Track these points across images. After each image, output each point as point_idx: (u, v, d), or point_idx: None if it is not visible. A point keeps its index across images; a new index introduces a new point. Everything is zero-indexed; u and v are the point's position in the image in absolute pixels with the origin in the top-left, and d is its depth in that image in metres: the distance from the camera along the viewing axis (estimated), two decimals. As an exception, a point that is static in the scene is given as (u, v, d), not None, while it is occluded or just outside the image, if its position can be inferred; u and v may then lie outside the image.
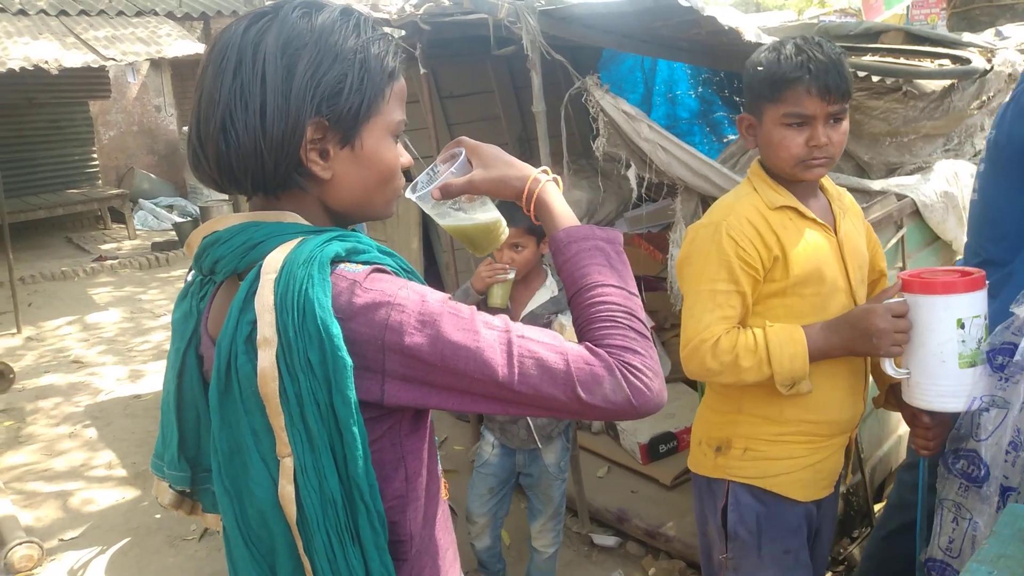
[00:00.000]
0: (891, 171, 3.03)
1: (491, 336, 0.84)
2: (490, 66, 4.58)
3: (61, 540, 3.14)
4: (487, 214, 1.07)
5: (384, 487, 0.89)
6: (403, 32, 3.63)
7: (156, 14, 7.31)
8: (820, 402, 1.57)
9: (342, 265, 0.85)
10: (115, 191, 9.22)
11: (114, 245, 8.44)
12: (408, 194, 1.03)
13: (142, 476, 3.58)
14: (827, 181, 1.67)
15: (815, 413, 1.58)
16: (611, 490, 3.03)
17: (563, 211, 1.01)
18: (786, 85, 1.46)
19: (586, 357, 0.86)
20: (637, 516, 2.82)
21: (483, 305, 2.25)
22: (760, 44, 2.35)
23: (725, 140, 5.09)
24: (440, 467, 1.04)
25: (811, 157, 1.49)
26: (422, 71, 3.52)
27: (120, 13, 7.11)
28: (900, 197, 2.78)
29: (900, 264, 2.78)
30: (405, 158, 0.98)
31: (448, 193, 1.02)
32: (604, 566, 2.74)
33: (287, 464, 0.82)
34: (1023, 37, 3.43)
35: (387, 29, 3.63)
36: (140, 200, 9.64)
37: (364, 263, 0.87)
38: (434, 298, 0.85)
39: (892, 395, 1.70)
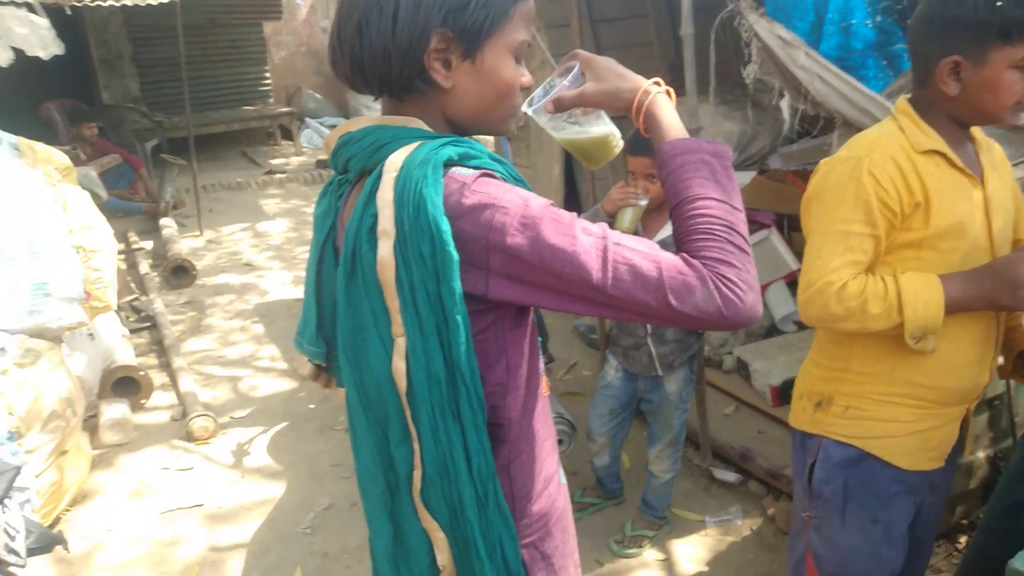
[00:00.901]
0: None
1: (588, 241, 0.88)
2: (646, -12, 4.43)
3: (232, 417, 3.57)
4: (600, 127, 1.09)
5: (487, 374, 0.97)
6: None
7: (326, -64, 7.56)
8: (938, 366, 1.46)
9: (454, 168, 0.92)
10: (285, 109, 9.81)
11: (282, 160, 9.05)
12: (524, 108, 1.06)
13: (299, 370, 3.95)
14: (977, 131, 1.52)
15: (931, 377, 1.47)
16: (737, 428, 3.02)
17: (672, 123, 1.01)
18: None
19: (680, 267, 0.88)
20: (761, 456, 2.80)
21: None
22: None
23: (904, 75, 4.67)
24: (542, 364, 1.11)
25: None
26: (574, -7, 3.47)
27: (294, -64, 7.42)
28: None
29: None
30: (526, 78, 1.02)
31: (561, 106, 1.05)
32: (723, 500, 2.77)
33: (400, 343, 0.92)
34: None
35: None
36: (306, 119, 10.22)
37: (475, 167, 0.93)
38: (536, 203, 0.90)
39: (1022, 364, 1.56)
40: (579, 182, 4.52)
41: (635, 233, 2.26)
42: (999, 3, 1.29)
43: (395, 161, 0.91)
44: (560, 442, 2.63)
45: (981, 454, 2.34)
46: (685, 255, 0.90)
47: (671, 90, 1.05)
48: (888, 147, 1.41)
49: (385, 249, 0.90)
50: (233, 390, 3.86)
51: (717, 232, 0.91)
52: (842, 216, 1.40)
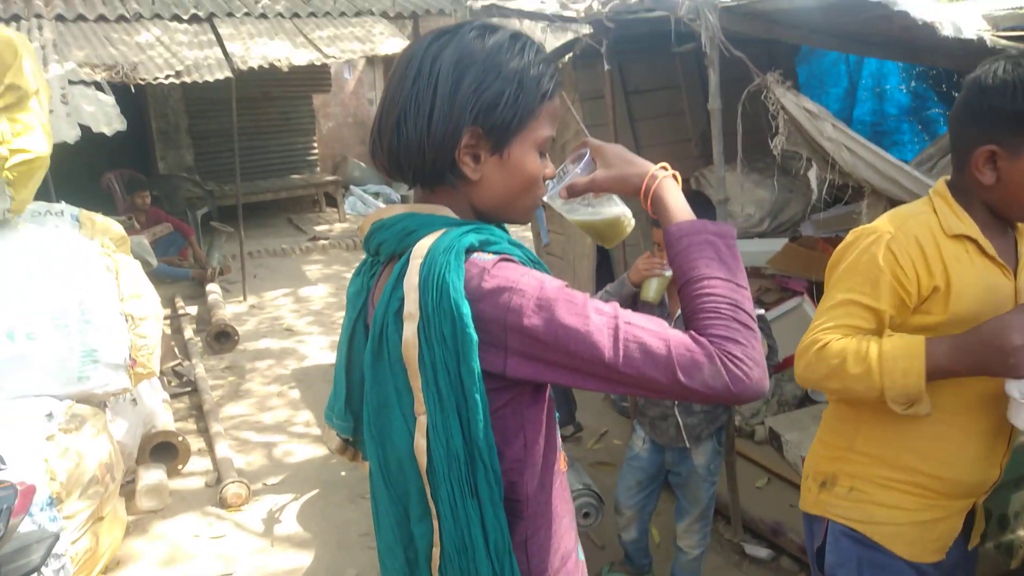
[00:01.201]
0: None
1: (600, 321, 0.92)
2: (678, 61, 4.53)
3: (264, 484, 3.60)
4: (612, 209, 1.15)
5: (505, 450, 0.99)
6: (590, 29, 3.71)
7: (372, 14, 7.93)
8: (944, 457, 1.42)
9: (476, 254, 0.97)
10: (330, 178, 10.13)
11: (326, 227, 9.30)
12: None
13: (333, 436, 3.99)
14: None
15: (937, 467, 1.43)
16: (769, 502, 2.94)
17: (677, 206, 1.06)
18: None
19: (688, 344, 0.91)
20: (793, 531, 2.72)
21: (636, 299, 2.27)
22: (963, 39, 2.16)
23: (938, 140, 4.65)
24: (560, 440, 1.13)
25: None
26: (606, 68, 3.57)
27: (342, 14, 7.79)
28: None
29: None
30: (549, 169, 1.09)
31: (574, 192, 1.10)
32: (755, 577, 2.69)
33: (422, 421, 0.96)
34: None
35: (574, 27, 3.73)
36: (351, 186, 10.52)
37: (495, 253, 0.98)
38: (552, 285, 0.94)
39: None
40: (611, 249, 4.56)
41: (660, 303, 2.27)
42: None
43: (421, 248, 0.97)
44: (587, 515, 2.59)
45: (1022, 532, 2.23)
46: (693, 333, 0.94)
47: (677, 174, 1.10)
48: (915, 227, 1.39)
49: (410, 330, 0.95)
50: (267, 456, 3.90)
51: (723, 310, 0.94)
52: (850, 285, 1.40)
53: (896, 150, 4.95)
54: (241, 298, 6.54)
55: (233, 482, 3.40)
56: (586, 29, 3.74)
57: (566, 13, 3.73)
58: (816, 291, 3.65)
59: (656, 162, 1.11)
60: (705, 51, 2.65)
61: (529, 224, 5.07)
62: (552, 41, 4.62)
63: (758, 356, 0.92)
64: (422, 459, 0.96)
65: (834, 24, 2.54)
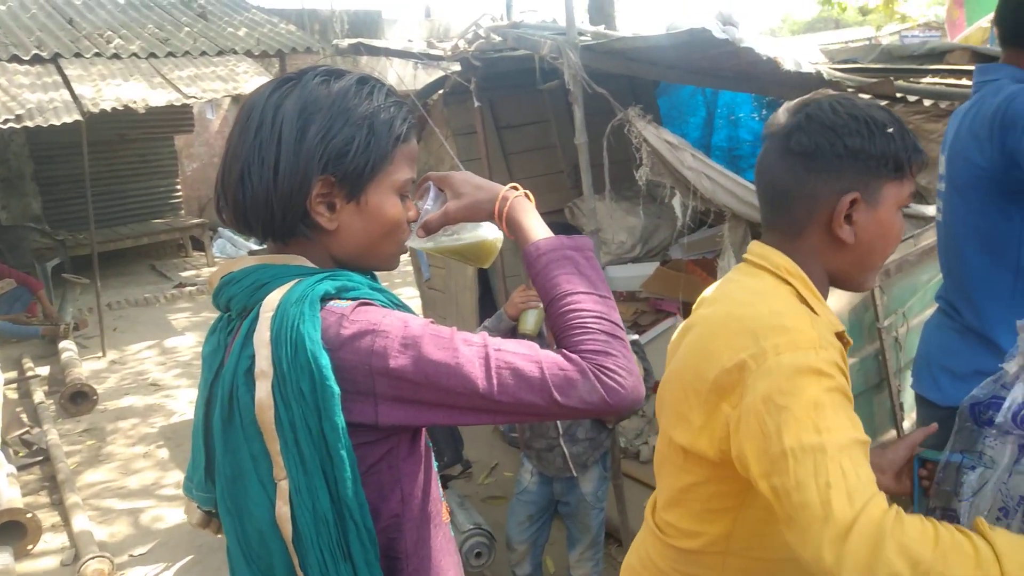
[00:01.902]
0: (952, 196, 2.93)
1: (470, 352, 0.89)
2: (547, 96, 4.65)
3: (131, 556, 3.30)
4: (475, 231, 1.11)
5: (380, 507, 0.94)
6: (458, 67, 3.75)
7: (235, 52, 7.69)
8: None
9: (332, 302, 0.92)
10: (196, 221, 9.66)
11: (193, 272, 8.83)
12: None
13: (208, 495, 3.73)
14: None
15: None
16: (659, 521, 2.99)
17: (532, 225, 1.04)
18: (915, 158, 1.10)
19: (560, 363, 0.89)
20: (684, 549, 2.77)
21: (515, 332, 2.27)
22: (803, 73, 2.33)
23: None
24: (441, 492, 1.09)
25: None
26: (476, 104, 3.61)
27: (203, 53, 7.52)
28: (959, 223, 2.68)
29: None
30: (412, 212, 1.05)
31: (430, 229, 1.07)
32: (651, 599, 2.70)
33: (283, 487, 0.89)
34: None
35: (444, 64, 3.75)
36: (219, 229, 10.08)
37: (353, 299, 0.93)
38: (416, 323, 0.91)
39: None
40: (492, 280, 4.57)
41: (539, 334, 2.28)
42: (889, 129, 1.08)
43: (271, 301, 0.91)
44: (479, 555, 2.54)
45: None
46: (564, 351, 0.92)
47: (529, 193, 1.08)
48: (826, 333, 1.05)
49: (263, 390, 0.88)
50: (133, 524, 3.59)
51: (589, 324, 0.93)
52: (830, 424, 0.95)
53: (751, 173, 5.29)
54: (100, 354, 6.08)
55: (93, 557, 3.09)
56: (456, 66, 3.77)
57: (433, 52, 3.76)
58: (686, 311, 3.80)
59: (532, 194, 1.09)
60: (569, 88, 2.73)
61: (410, 259, 5.01)
62: (424, 77, 4.63)
63: (630, 365, 0.92)
64: (286, 527, 0.89)
65: (687, 60, 2.68)
